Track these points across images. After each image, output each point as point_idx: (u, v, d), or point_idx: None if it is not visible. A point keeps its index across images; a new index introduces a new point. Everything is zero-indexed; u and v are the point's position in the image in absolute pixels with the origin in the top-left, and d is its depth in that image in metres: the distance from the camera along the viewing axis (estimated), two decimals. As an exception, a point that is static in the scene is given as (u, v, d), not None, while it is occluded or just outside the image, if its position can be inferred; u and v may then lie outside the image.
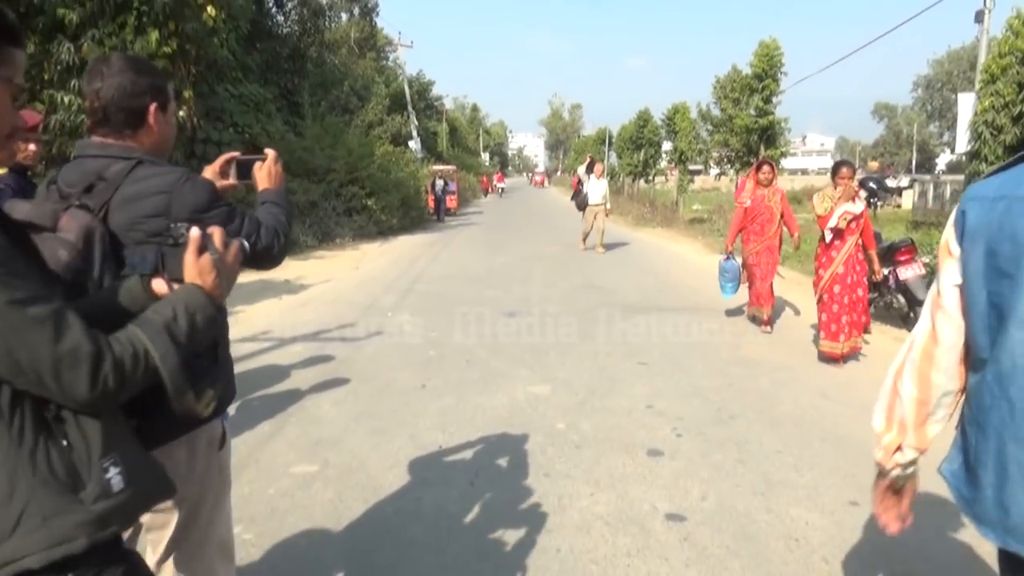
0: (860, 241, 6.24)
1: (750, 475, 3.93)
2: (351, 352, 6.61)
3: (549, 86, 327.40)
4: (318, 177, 17.25)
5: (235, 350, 6.70)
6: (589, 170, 15.11)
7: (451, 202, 27.32)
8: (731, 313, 8.50)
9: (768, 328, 7.57)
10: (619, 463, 4.10)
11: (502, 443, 4.40)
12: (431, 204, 25.01)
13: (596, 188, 14.69)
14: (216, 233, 1.41)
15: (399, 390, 5.49)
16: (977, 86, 12.19)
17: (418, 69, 59.91)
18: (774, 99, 22.81)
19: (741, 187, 9.05)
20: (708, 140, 27.09)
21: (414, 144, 31.07)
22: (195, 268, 1.35)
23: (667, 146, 33.78)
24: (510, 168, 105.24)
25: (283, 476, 3.93)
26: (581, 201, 14.91)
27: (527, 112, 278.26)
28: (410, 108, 32.50)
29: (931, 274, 8.42)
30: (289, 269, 12.50)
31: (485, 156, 75.33)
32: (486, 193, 45.88)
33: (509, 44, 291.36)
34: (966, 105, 13.91)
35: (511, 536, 3.28)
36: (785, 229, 7.74)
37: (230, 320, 1.92)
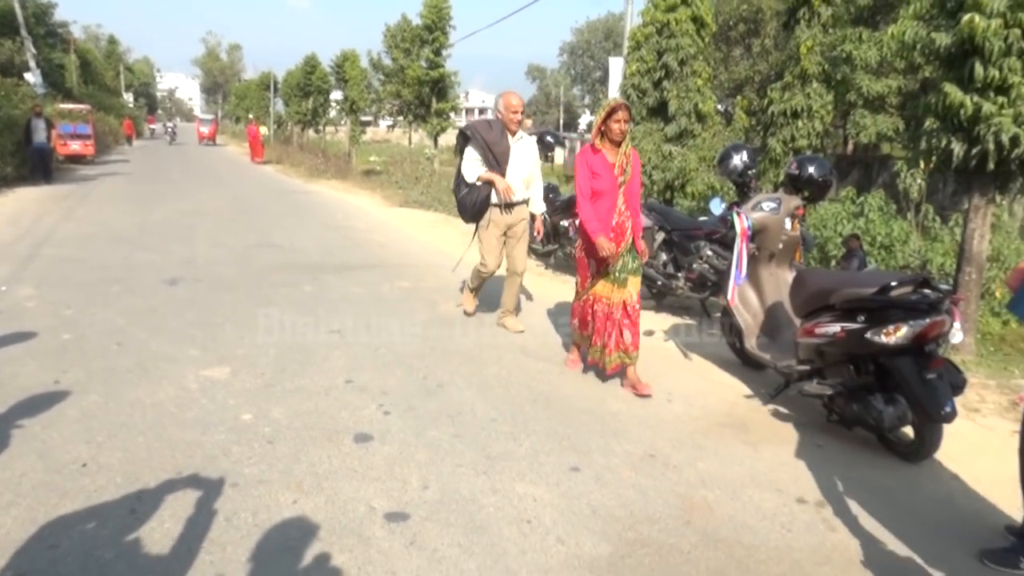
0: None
1: (469, 451, 3.61)
2: (-55, 344, 4.97)
3: (202, 23, 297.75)
4: None
5: None
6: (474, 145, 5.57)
7: (87, 148, 23.24)
8: (421, 267, 8.22)
9: None
10: (323, 456, 3.50)
11: (171, 448, 3.51)
12: (62, 151, 20.50)
13: (516, 161, 5.55)
14: None
15: (19, 389, 4.17)
16: (625, 52, 13.29)
17: (33, -13, 49.99)
18: (444, 52, 23.15)
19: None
20: (380, 90, 26.69)
21: (32, 76, 25.69)
22: None
23: (337, 95, 32.73)
24: (160, 112, 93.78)
25: None
26: (474, 200, 5.59)
27: (178, 50, 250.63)
28: (24, 32, 26.71)
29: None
30: None
31: (128, 96, 66.08)
32: (130, 140, 39.95)
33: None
34: (616, 69, 15.11)
35: (193, 580, 2.54)
36: None
37: None
